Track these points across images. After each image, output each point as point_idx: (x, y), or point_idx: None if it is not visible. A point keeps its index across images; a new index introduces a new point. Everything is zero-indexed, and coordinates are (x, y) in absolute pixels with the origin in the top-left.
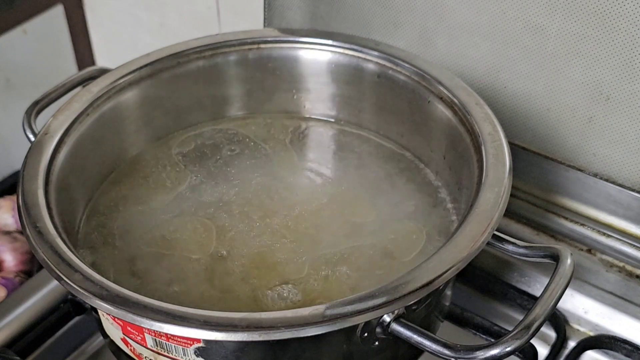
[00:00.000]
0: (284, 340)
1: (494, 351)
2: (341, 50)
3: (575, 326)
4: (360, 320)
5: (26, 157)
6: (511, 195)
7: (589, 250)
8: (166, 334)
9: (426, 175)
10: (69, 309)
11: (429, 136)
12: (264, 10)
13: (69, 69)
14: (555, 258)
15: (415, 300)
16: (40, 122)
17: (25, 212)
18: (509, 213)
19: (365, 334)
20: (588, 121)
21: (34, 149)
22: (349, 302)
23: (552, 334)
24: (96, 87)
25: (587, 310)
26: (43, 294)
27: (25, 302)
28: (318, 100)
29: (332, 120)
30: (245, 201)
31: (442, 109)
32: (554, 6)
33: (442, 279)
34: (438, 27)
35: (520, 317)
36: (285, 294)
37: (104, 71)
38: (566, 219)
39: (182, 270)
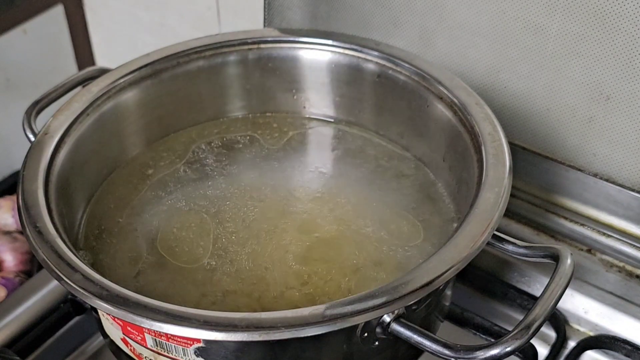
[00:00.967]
0: (284, 340)
1: (494, 351)
2: (341, 50)
3: (575, 326)
4: (360, 320)
5: (26, 157)
6: (511, 195)
7: (589, 250)
8: (166, 334)
9: (426, 175)
10: (69, 309)
11: (429, 136)
12: (264, 10)
13: (69, 69)
14: (555, 258)
15: (415, 300)
16: (40, 122)
17: (25, 212)
18: (509, 213)
19: (365, 334)
20: (588, 121)
21: (34, 149)
22: (349, 302)
23: (552, 334)
24: (96, 87)
25: (587, 310)
26: (43, 294)
27: (25, 302)
28: (318, 100)
29: (332, 120)
30: (246, 201)
31: (442, 109)
32: (554, 6)
33: (442, 279)
34: (438, 27)
35: (520, 317)
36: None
37: (104, 71)
38: (566, 219)
39: (182, 270)
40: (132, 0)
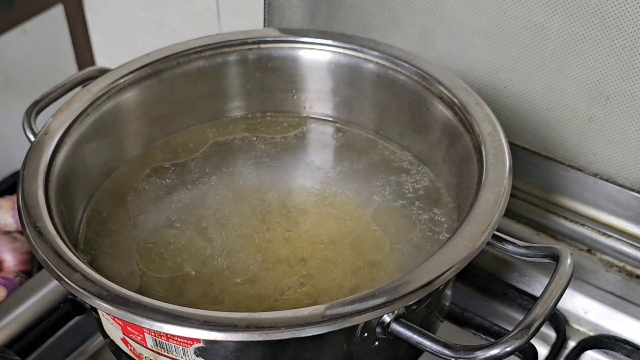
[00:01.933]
0: (284, 340)
1: (494, 351)
2: (341, 50)
3: (575, 326)
4: (360, 320)
5: (26, 157)
6: (511, 195)
7: (589, 250)
8: (166, 334)
9: (426, 175)
10: (69, 309)
11: (429, 136)
12: (264, 10)
13: (69, 69)
14: (555, 258)
15: (415, 300)
16: (40, 122)
17: (25, 212)
18: (509, 213)
19: (365, 334)
20: (588, 121)
21: (34, 149)
22: (349, 302)
23: (552, 334)
24: (96, 87)
25: (587, 310)
26: (43, 294)
27: (25, 302)
28: (318, 100)
29: (332, 120)
30: (245, 201)
31: (442, 109)
32: (554, 6)
33: (442, 279)
34: (438, 27)
35: (520, 317)
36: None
37: (104, 71)
38: (566, 219)
39: (182, 269)
40: (132, 0)
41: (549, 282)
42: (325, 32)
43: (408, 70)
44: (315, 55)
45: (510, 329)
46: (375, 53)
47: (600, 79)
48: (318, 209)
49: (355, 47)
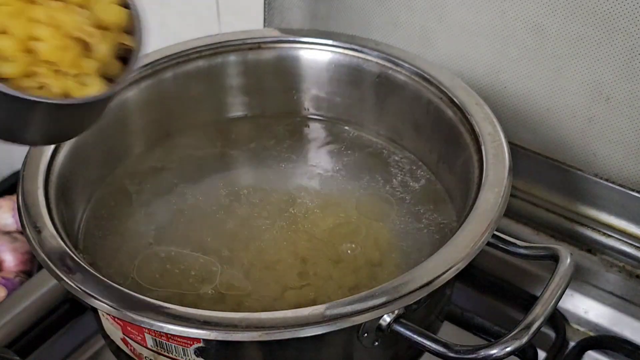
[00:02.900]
0: (284, 340)
1: (494, 351)
2: (341, 50)
3: (575, 326)
4: (360, 320)
5: (26, 157)
6: (511, 195)
7: (589, 251)
8: (166, 334)
9: (426, 175)
10: (69, 309)
11: (429, 136)
12: (264, 10)
13: None
14: (555, 258)
15: (415, 300)
16: None
17: (25, 212)
18: (509, 213)
19: (365, 334)
20: (588, 121)
21: (34, 149)
22: (349, 302)
23: (552, 334)
24: None
25: (587, 310)
26: (43, 294)
27: (25, 302)
28: (318, 100)
29: (332, 120)
30: (245, 200)
31: (442, 109)
32: (554, 6)
33: (442, 279)
34: (438, 27)
35: (521, 317)
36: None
37: None
38: (566, 219)
39: (182, 269)
40: None
41: (548, 282)
42: (325, 32)
43: (408, 71)
44: (315, 55)
45: (510, 329)
46: (375, 53)
47: (600, 80)
48: (318, 209)
49: (355, 47)
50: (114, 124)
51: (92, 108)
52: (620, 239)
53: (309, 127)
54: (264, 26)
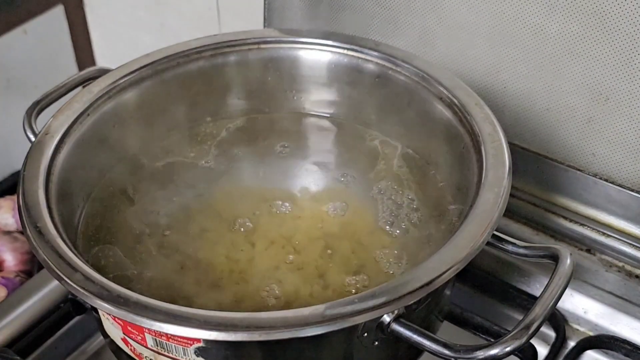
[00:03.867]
0: (284, 340)
1: (494, 351)
2: (341, 50)
3: (575, 326)
4: (360, 320)
5: (26, 157)
6: (511, 195)
7: (588, 250)
8: (166, 334)
9: (426, 175)
10: (69, 309)
11: (429, 136)
12: (264, 10)
13: (69, 69)
14: (555, 258)
15: (415, 300)
16: (40, 122)
17: (26, 212)
18: (509, 213)
19: (365, 334)
20: (587, 121)
21: (35, 149)
22: (349, 302)
23: (551, 334)
24: (96, 88)
25: (586, 310)
26: (43, 294)
27: (25, 302)
28: (318, 100)
29: (332, 120)
30: (245, 200)
31: (442, 109)
32: (553, 6)
33: (442, 279)
34: (438, 27)
35: (520, 317)
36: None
37: (104, 71)
38: (566, 219)
39: (182, 268)
40: (132, 0)
41: (548, 282)
42: (325, 32)
43: (408, 71)
44: (315, 55)
45: (510, 329)
46: (375, 53)
47: (600, 79)
48: (319, 209)
49: (355, 47)
50: (114, 124)
51: None
52: (619, 239)
53: (309, 127)
54: (264, 26)
